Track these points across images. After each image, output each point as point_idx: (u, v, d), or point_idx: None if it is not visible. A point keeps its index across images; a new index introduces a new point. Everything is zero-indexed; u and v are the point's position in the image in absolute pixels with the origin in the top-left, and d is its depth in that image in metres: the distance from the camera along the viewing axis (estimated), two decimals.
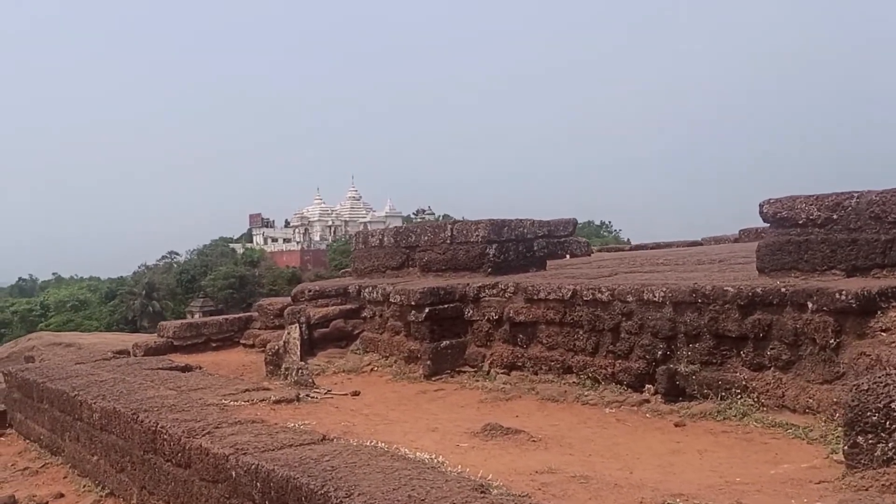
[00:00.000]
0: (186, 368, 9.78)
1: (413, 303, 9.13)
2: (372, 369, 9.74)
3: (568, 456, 5.39)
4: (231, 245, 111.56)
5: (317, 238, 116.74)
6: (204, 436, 5.81)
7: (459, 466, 4.92)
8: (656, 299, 7.06)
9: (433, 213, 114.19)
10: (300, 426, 6.19)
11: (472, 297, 9.10)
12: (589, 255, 13.39)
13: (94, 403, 7.42)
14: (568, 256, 12.80)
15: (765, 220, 6.92)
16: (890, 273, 5.99)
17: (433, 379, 8.87)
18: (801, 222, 6.56)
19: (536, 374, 8.32)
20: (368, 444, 5.52)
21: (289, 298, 13.04)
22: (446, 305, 9.13)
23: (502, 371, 8.65)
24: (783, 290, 6.13)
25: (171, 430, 6.06)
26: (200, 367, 10.29)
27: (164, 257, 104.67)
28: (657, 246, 18.88)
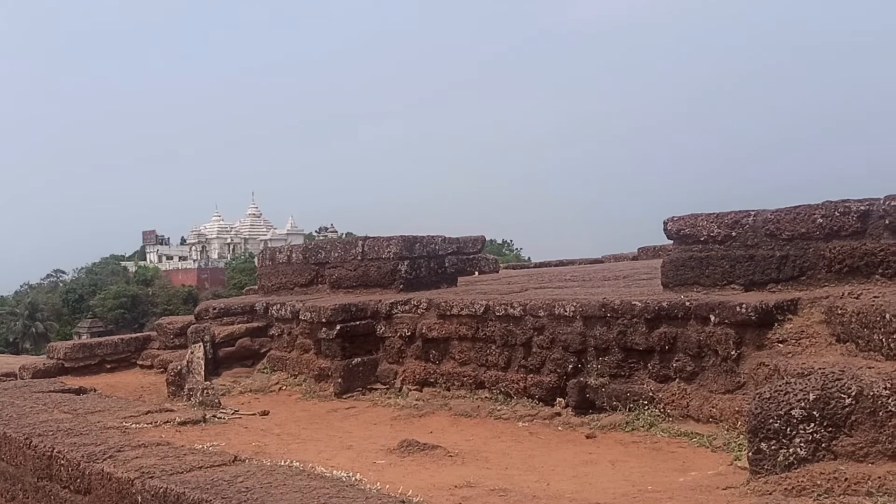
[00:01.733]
0: (81, 391, 9.30)
1: (324, 320, 9.01)
2: (280, 388, 9.53)
3: (485, 470, 5.42)
4: (122, 263, 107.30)
5: (215, 256, 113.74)
6: (105, 460, 5.54)
7: (378, 483, 4.86)
8: (567, 314, 7.22)
9: (336, 231, 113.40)
10: (209, 447, 5.99)
11: (384, 314, 9.06)
12: (497, 272, 13.57)
13: None
14: (477, 273, 12.93)
15: (669, 237, 7.20)
16: (784, 287, 6.33)
17: (344, 397, 8.75)
18: (702, 239, 6.86)
19: (449, 389, 8.34)
20: (283, 463, 5.39)
21: (190, 317, 12.63)
22: (358, 322, 9.05)
23: (415, 388, 8.63)
24: (687, 303, 6.38)
25: (69, 454, 5.74)
26: (95, 390, 9.83)
27: (48, 276, 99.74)
28: (561, 263, 19.34)
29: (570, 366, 7.16)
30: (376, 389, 8.92)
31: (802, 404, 4.45)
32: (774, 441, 4.47)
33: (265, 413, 8.15)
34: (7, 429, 6.66)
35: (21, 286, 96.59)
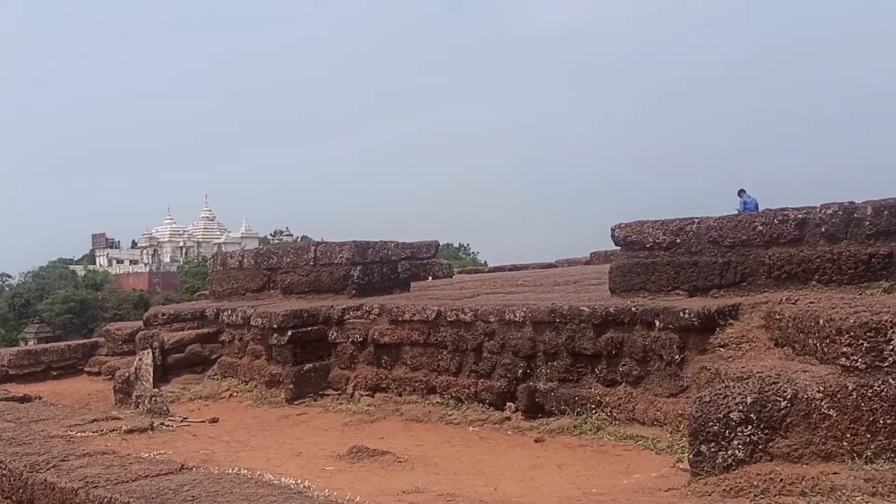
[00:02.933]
0: (25, 399, 9.11)
1: (275, 326, 8.96)
2: (231, 395, 9.45)
3: (434, 475, 5.46)
4: (71, 267, 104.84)
5: (167, 260, 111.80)
6: (49, 469, 5.44)
7: (327, 490, 4.87)
8: (517, 319, 7.30)
9: (291, 235, 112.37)
10: (156, 456, 5.92)
11: (336, 320, 9.04)
12: (451, 277, 13.62)
13: None
14: (430, 278, 12.97)
15: (616, 244, 7.34)
16: (726, 293, 6.51)
17: (296, 403, 8.71)
18: (648, 245, 7.01)
19: (401, 395, 8.36)
20: (230, 471, 5.36)
21: (139, 323, 12.45)
22: (310, 328, 9.02)
23: (366, 393, 8.64)
24: (633, 309, 6.51)
25: (12, 464, 5.63)
26: (40, 398, 9.63)
27: None
28: (515, 268, 19.48)
29: (520, 370, 7.25)
30: (328, 395, 8.90)
31: (740, 407, 4.59)
32: (714, 443, 4.60)
33: (215, 420, 8.08)
34: None
35: None
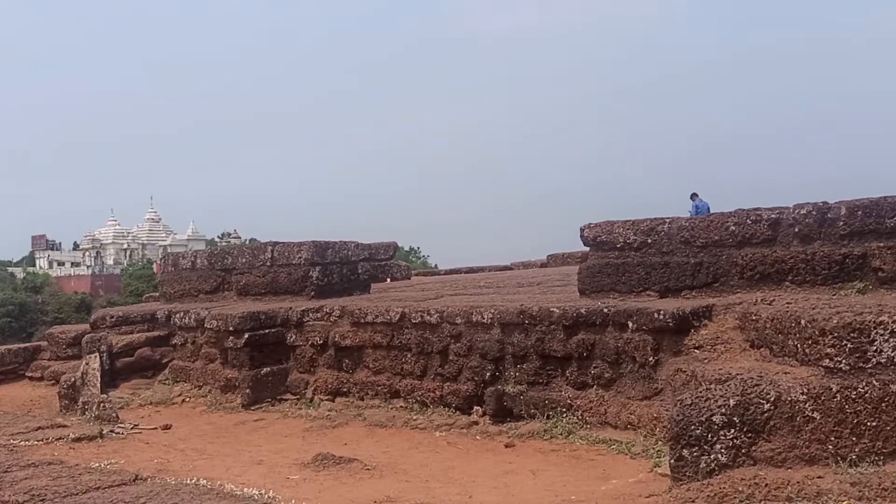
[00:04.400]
0: None
1: (231, 328, 8.62)
2: (184, 400, 9.06)
3: (404, 483, 5.24)
4: (10, 269, 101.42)
5: (110, 262, 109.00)
6: None
7: (293, 501, 4.63)
8: (485, 321, 7.13)
9: (239, 237, 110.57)
10: (107, 466, 5.59)
11: (295, 322, 8.75)
12: (409, 279, 13.40)
13: None
14: (389, 280, 12.72)
15: (585, 244, 7.22)
16: (699, 294, 6.43)
17: (253, 408, 8.39)
18: (619, 246, 6.91)
19: (363, 399, 8.11)
20: (189, 481, 5.07)
21: (84, 326, 11.95)
22: (267, 330, 8.70)
23: (327, 398, 8.37)
24: (605, 310, 6.39)
25: None
26: None
27: None
28: (471, 270, 19.34)
29: (488, 373, 7.07)
30: (286, 400, 8.59)
31: (723, 410, 4.47)
32: (696, 448, 4.48)
33: (167, 427, 7.71)
34: None
35: None
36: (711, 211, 19.04)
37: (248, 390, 8.48)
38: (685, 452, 4.51)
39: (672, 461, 4.57)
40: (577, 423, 6.39)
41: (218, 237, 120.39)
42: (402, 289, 10.67)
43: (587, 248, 7.37)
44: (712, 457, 4.45)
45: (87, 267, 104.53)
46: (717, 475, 4.41)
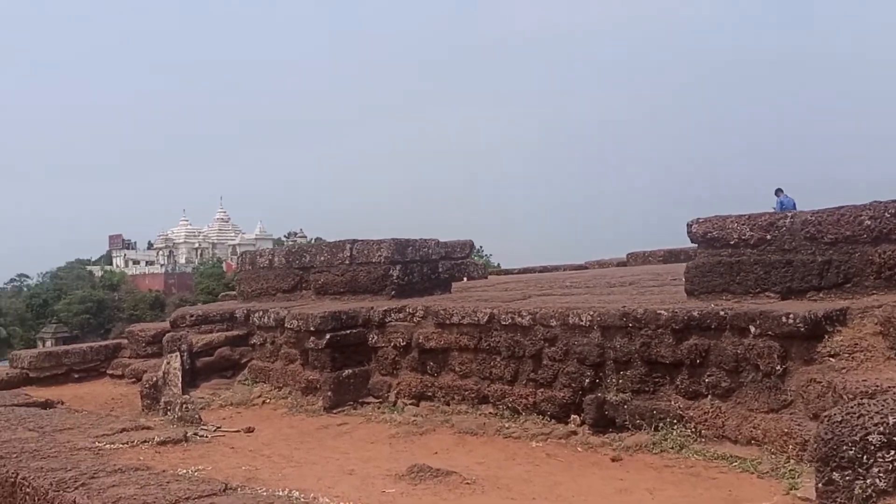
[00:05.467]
0: (47, 404, 8.58)
1: (312, 328, 8.36)
2: (264, 402, 8.85)
3: (509, 501, 4.83)
4: (88, 268, 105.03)
5: (182, 261, 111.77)
6: (77, 488, 4.86)
7: None
8: (583, 323, 6.67)
9: (305, 236, 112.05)
10: (194, 473, 5.34)
11: (377, 322, 8.43)
12: (486, 278, 13.00)
13: None
14: (465, 279, 12.35)
15: (693, 240, 6.69)
16: (827, 295, 5.84)
17: (334, 412, 8.11)
18: (732, 243, 6.35)
19: (449, 404, 7.74)
20: (281, 493, 4.76)
21: (163, 324, 11.93)
22: (349, 331, 8.41)
23: (411, 402, 8.03)
24: (722, 313, 5.85)
25: (36, 481, 5.05)
26: (63, 403, 9.10)
27: (12, 280, 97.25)
28: (544, 269, 18.83)
29: (587, 380, 6.61)
30: (368, 403, 8.29)
31: (881, 429, 3.92)
32: (849, 471, 3.94)
33: (250, 430, 7.48)
34: None
35: None
36: (797, 207, 18.14)
37: (329, 393, 8.20)
38: (836, 476, 3.97)
39: (820, 485, 4.03)
40: (689, 435, 5.87)
41: (284, 236, 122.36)
42: (483, 288, 10.27)
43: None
44: (868, 482, 3.90)
45: (161, 266, 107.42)
46: (873, 502, 3.87)
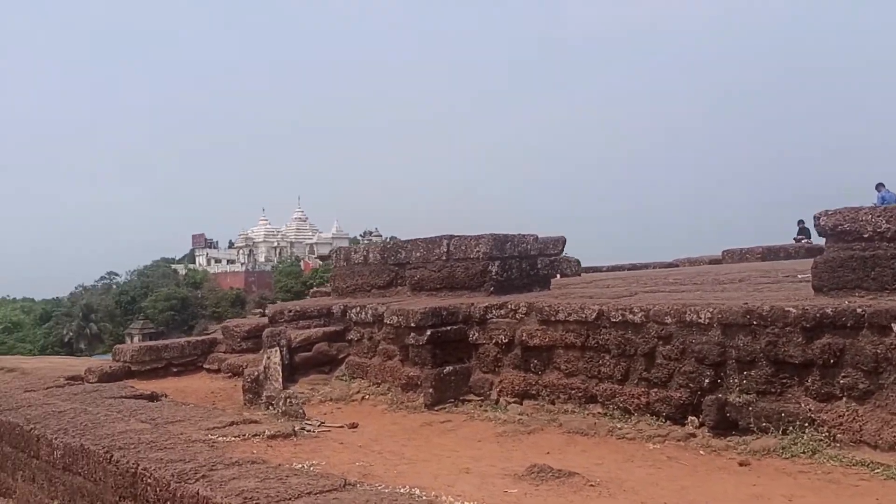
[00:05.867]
0: (153, 397, 8.75)
1: (413, 324, 8.28)
2: (363, 398, 8.83)
3: None
4: (173, 266, 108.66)
5: (261, 259, 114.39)
6: (198, 480, 4.86)
7: None
8: (701, 321, 6.38)
9: (380, 235, 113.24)
10: (310, 468, 5.29)
11: (477, 319, 8.30)
12: (579, 275, 12.75)
13: (55, 439, 6.38)
14: (559, 276, 12.12)
15: (821, 234, 6.32)
16: None
17: (436, 409, 8.01)
18: (866, 236, 5.97)
19: (554, 403, 7.55)
20: (401, 490, 4.66)
21: (256, 320, 12.08)
22: (449, 327, 8.31)
23: (513, 400, 7.86)
24: (859, 310, 5.49)
25: (156, 472, 5.09)
26: (166, 395, 9.28)
27: (102, 278, 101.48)
28: (633, 267, 18.40)
29: (706, 380, 6.31)
30: (470, 401, 8.16)
31: None
32: None
33: (354, 426, 7.45)
34: (84, 440, 6.05)
35: (76, 288, 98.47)
36: None
37: (431, 390, 8.11)
38: None
39: None
40: (822, 440, 5.53)
41: (360, 235, 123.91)
42: (582, 285, 10.03)
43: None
44: None
45: (241, 264, 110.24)
46: None
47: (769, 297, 6.68)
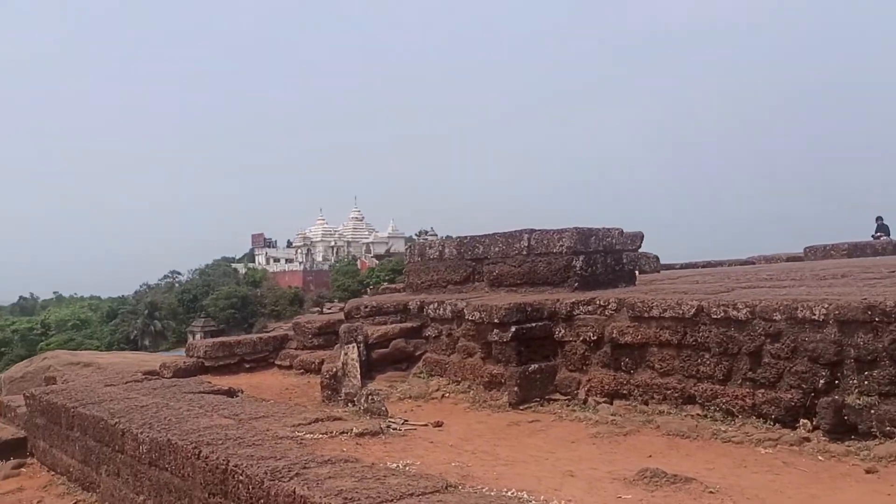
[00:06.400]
0: (231, 393, 8.67)
1: (496, 320, 8.00)
2: (443, 395, 8.58)
3: None
4: (233, 265, 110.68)
5: (319, 259, 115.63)
6: (293, 478, 4.68)
7: None
8: (815, 317, 5.95)
9: (436, 234, 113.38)
10: (405, 467, 5.06)
11: (563, 315, 7.98)
12: (658, 272, 12.30)
13: (141, 434, 6.28)
14: (637, 272, 11.69)
15: None
16: None
17: (521, 408, 7.72)
18: None
19: (647, 403, 7.19)
20: (508, 493, 4.40)
21: (327, 316, 11.98)
22: (534, 324, 8.00)
23: (603, 400, 7.52)
24: None
25: (249, 469, 4.91)
26: (242, 391, 9.19)
27: (165, 277, 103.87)
28: (708, 264, 17.86)
29: (822, 381, 5.89)
30: (556, 400, 7.85)
31: None
32: None
33: (439, 424, 7.21)
34: (171, 435, 5.94)
35: (140, 286, 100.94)
36: None
37: (515, 388, 7.82)
38: None
39: None
40: None
41: (416, 234, 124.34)
42: (669, 281, 9.62)
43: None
44: None
45: (299, 263, 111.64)
46: None
47: (887, 292, 6.21)
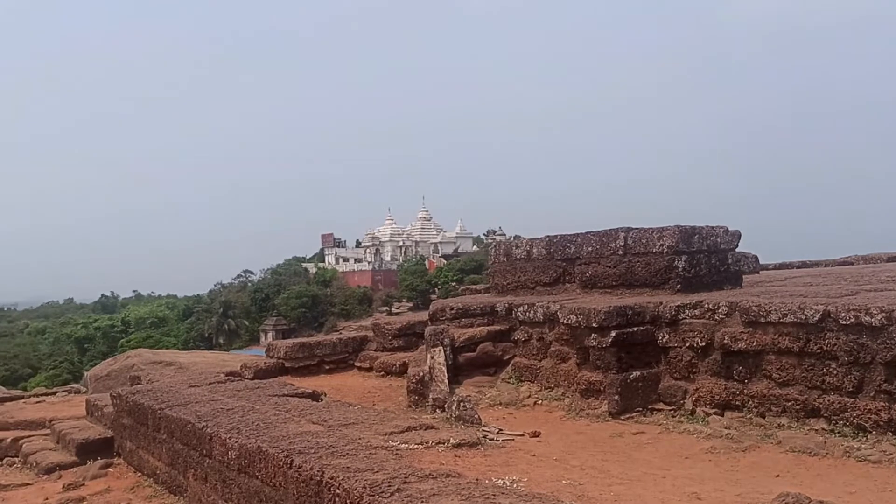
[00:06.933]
0: (315, 396, 8.44)
1: (594, 324, 7.52)
2: (535, 403, 8.14)
3: None
4: (304, 265, 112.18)
5: (387, 258, 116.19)
6: (393, 494, 4.34)
7: None
8: None
9: (504, 234, 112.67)
10: (513, 485, 4.66)
11: (667, 319, 7.45)
12: (758, 273, 11.60)
13: (230, 439, 6.06)
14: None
15: None
16: None
17: (622, 418, 7.22)
18: None
19: (763, 416, 6.61)
20: None
21: (406, 317, 11.64)
22: (635, 329, 7.49)
23: (713, 411, 6.96)
24: None
25: (346, 483, 4.59)
26: (325, 394, 8.95)
27: (238, 276, 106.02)
28: (804, 264, 16.90)
29: None
30: (660, 411, 7.33)
31: None
32: None
33: (536, 434, 6.78)
34: (260, 441, 5.68)
35: (215, 285, 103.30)
36: None
37: (616, 397, 7.32)
38: None
39: None
40: None
41: (483, 234, 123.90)
42: (777, 283, 8.96)
43: None
44: None
45: (368, 263, 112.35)
46: None
47: None
